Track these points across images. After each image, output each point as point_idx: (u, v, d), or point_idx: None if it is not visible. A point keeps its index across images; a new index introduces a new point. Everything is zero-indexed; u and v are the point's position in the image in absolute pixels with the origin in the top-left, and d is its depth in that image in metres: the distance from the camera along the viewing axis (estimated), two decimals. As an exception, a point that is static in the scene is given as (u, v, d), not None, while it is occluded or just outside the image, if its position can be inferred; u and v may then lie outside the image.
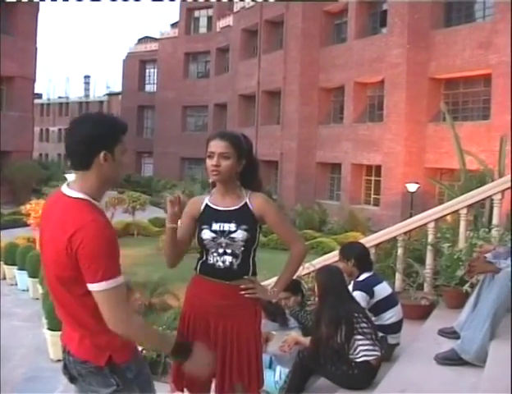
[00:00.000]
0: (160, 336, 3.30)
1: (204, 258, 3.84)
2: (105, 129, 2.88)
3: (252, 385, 3.84)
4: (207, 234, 3.79)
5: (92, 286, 2.73)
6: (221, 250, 3.76)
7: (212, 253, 3.79)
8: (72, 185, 2.93)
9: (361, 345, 4.82)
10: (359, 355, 4.82)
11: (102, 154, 2.83)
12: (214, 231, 3.79)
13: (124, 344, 2.92)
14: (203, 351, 3.20)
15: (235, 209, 3.80)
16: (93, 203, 2.85)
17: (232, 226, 3.76)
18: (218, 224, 3.79)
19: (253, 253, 3.83)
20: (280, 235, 3.99)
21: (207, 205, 3.89)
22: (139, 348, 3.32)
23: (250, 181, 3.88)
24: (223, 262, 3.76)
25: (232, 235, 3.75)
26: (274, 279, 4.29)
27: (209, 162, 3.75)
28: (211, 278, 3.80)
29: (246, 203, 3.80)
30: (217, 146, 3.74)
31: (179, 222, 3.84)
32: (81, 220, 2.73)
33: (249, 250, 3.79)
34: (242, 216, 3.77)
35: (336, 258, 6.59)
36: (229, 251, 3.76)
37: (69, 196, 2.87)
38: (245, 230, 3.75)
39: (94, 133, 2.83)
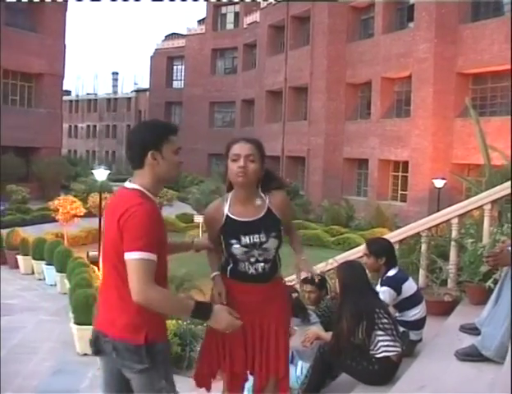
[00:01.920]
0: (180, 302, 3.39)
1: (233, 265, 3.84)
2: (148, 132, 3.34)
3: (284, 379, 3.93)
4: (238, 249, 3.77)
5: (127, 254, 3.09)
6: (253, 260, 3.78)
7: (244, 262, 3.79)
8: (132, 180, 3.35)
9: (382, 340, 4.81)
10: (380, 350, 4.81)
11: (149, 154, 3.25)
12: (245, 246, 3.76)
13: (158, 325, 3.29)
14: (222, 310, 3.36)
15: (261, 218, 3.79)
16: (145, 193, 3.26)
17: (263, 237, 3.76)
18: (248, 237, 3.76)
19: (278, 251, 3.87)
20: (288, 230, 4.06)
21: (228, 217, 3.82)
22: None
23: (269, 182, 3.86)
24: (256, 269, 3.79)
25: (264, 246, 3.76)
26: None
27: (234, 165, 3.73)
28: (242, 282, 3.83)
29: (269, 208, 3.79)
30: (242, 148, 3.74)
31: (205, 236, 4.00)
32: (131, 203, 3.17)
33: (277, 251, 3.85)
34: (269, 223, 3.77)
35: (359, 254, 6.58)
36: (261, 259, 3.78)
37: (127, 188, 3.33)
38: (275, 237, 3.78)
39: (139, 137, 3.33)
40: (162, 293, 3.18)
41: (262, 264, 3.77)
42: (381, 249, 5.68)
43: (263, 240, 3.74)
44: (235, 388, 3.99)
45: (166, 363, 3.35)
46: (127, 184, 3.35)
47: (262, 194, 3.82)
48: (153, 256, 3.09)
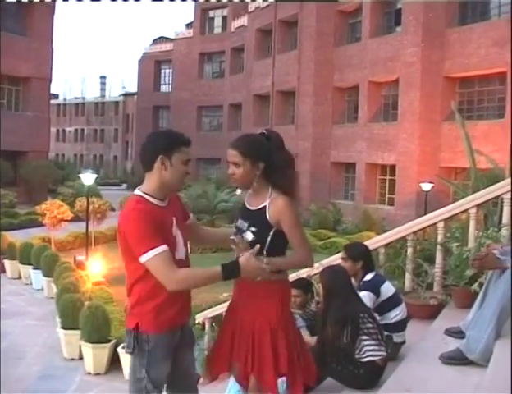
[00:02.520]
0: (206, 272, 3.52)
1: None
2: (162, 138, 3.67)
3: (297, 379, 3.95)
4: (233, 228, 3.97)
5: (141, 259, 3.43)
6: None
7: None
8: (140, 186, 3.69)
9: (367, 345, 4.84)
10: (365, 354, 4.83)
11: (159, 158, 3.55)
12: (236, 227, 3.94)
13: (151, 319, 3.57)
14: (249, 260, 3.48)
15: (253, 210, 3.87)
16: (144, 197, 3.59)
17: (245, 226, 3.84)
18: (239, 221, 3.93)
19: (265, 255, 3.75)
20: (291, 244, 3.89)
21: (243, 202, 4.06)
22: None
23: (279, 179, 3.85)
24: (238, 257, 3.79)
25: (243, 234, 3.81)
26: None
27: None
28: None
29: (265, 206, 3.81)
30: (229, 155, 3.85)
31: None
32: (126, 210, 3.57)
33: (261, 252, 3.72)
34: (256, 217, 3.81)
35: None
36: None
37: (132, 195, 3.68)
38: (253, 232, 3.78)
39: (153, 141, 3.66)
40: (186, 273, 3.53)
41: None
42: (358, 254, 5.78)
43: (244, 228, 3.84)
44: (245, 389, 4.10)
45: (155, 355, 3.59)
46: (135, 191, 3.67)
47: (272, 191, 3.84)
48: (160, 248, 3.40)
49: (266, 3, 43.65)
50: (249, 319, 3.89)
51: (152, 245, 3.39)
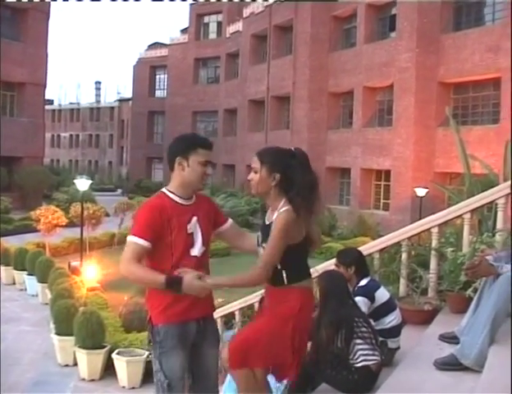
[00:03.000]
0: (151, 277, 3.75)
1: None
2: (180, 142, 3.98)
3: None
4: None
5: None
6: None
7: None
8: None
9: (361, 349, 4.83)
10: (359, 359, 4.82)
11: (177, 160, 3.88)
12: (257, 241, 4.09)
13: (160, 312, 3.86)
14: (192, 279, 3.65)
15: (267, 224, 3.95)
16: (165, 194, 3.95)
17: (259, 241, 4.00)
18: (259, 235, 4.04)
19: (280, 265, 3.86)
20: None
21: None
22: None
23: (294, 197, 3.85)
24: None
25: (259, 248, 3.97)
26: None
27: None
28: None
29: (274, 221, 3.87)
30: (251, 161, 4.01)
31: None
32: (144, 203, 4.05)
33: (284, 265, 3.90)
34: (267, 233, 3.86)
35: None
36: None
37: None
38: (264, 248, 3.87)
39: (174, 145, 3.98)
40: (137, 269, 3.74)
41: None
42: (350, 259, 5.78)
43: (259, 244, 3.99)
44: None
45: (166, 346, 3.86)
46: (162, 189, 4.05)
47: (283, 205, 3.86)
48: (140, 241, 3.74)
49: (261, 9, 43.70)
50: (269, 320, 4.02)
51: (139, 233, 3.77)
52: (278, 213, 3.81)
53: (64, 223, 22.24)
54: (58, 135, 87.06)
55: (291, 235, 3.81)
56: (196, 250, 3.91)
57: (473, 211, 7.25)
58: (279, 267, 3.85)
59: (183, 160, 3.87)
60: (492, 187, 7.64)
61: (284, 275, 3.91)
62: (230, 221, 4.24)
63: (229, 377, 4.80)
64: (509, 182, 7.10)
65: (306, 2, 37.15)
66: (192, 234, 3.91)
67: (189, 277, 3.65)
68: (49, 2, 40.60)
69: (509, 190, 6.88)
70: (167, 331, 3.85)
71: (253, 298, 8.36)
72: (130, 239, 3.77)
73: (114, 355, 10.83)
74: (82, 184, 19.76)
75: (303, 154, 4.04)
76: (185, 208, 3.91)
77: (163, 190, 3.97)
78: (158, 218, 3.79)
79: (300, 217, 3.81)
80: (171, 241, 3.83)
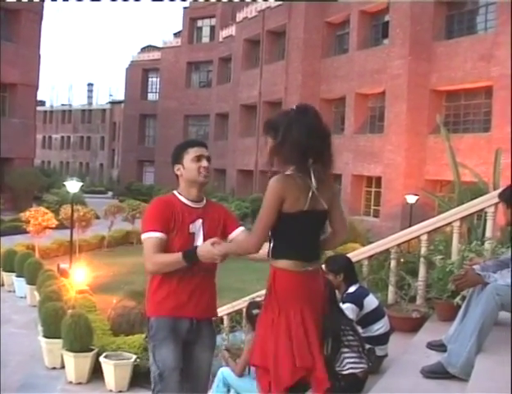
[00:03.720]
0: (173, 259, 3.87)
1: None
2: (174, 152, 4.22)
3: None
4: None
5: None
6: None
7: None
8: None
9: (348, 357, 4.81)
10: (346, 367, 4.81)
11: (175, 168, 4.17)
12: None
13: (154, 305, 4.03)
14: (206, 245, 3.77)
15: None
16: (175, 195, 4.15)
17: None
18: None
19: (279, 236, 3.61)
20: None
21: None
22: None
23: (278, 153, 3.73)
24: None
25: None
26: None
27: None
28: None
29: None
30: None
31: None
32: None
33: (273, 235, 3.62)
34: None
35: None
36: None
37: None
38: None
39: (171, 158, 4.22)
40: (158, 257, 3.89)
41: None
42: (338, 267, 5.78)
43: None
44: None
45: (157, 339, 3.97)
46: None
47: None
48: (152, 234, 3.91)
49: (254, 14, 43.77)
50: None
51: (149, 227, 3.94)
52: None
53: (54, 225, 22.16)
54: (50, 137, 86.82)
55: (284, 203, 3.51)
56: None
57: (462, 219, 7.28)
58: (269, 235, 3.59)
59: (179, 165, 4.12)
60: (482, 195, 7.67)
61: (271, 246, 3.63)
62: (240, 228, 4.20)
63: (217, 380, 4.78)
64: (499, 191, 7.12)
65: (299, 8, 37.23)
66: (193, 234, 4.03)
67: (202, 244, 3.82)
68: (42, 3, 40.52)
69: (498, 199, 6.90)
70: (159, 323, 3.98)
71: (242, 303, 8.37)
72: (144, 236, 3.94)
73: (102, 359, 10.77)
74: (72, 186, 19.68)
75: (305, 109, 3.91)
76: (191, 210, 4.07)
77: (173, 191, 4.18)
78: (165, 211, 3.99)
79: (297, 183, 3.55)
80: (172, 237, 3.97)
